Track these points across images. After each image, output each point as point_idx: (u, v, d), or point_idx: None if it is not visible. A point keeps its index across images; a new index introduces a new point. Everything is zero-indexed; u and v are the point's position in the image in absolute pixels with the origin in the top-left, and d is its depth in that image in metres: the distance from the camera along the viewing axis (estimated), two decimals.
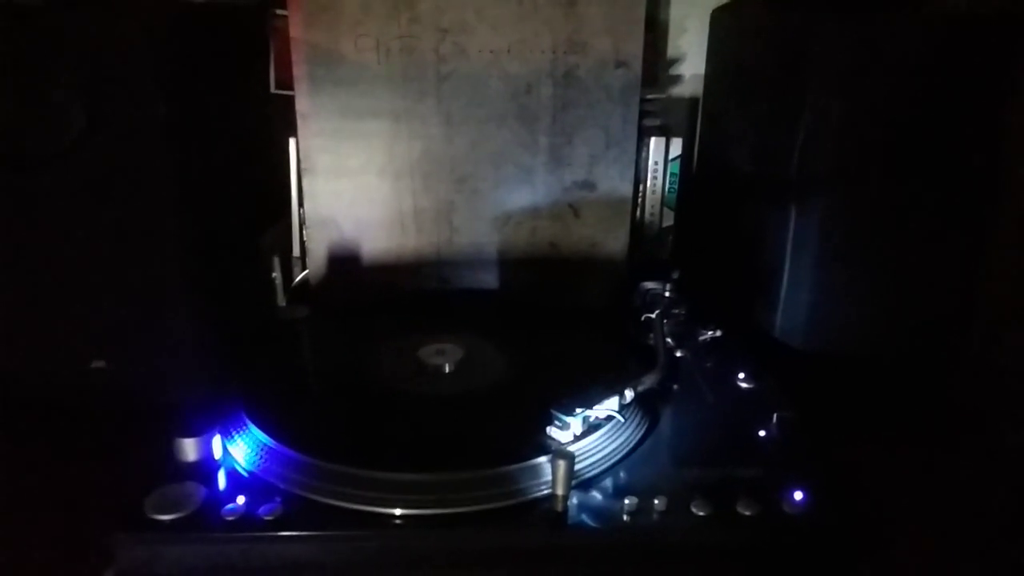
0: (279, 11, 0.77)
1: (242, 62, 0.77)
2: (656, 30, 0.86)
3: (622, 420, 0.52)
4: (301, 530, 0.44)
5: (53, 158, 0.57)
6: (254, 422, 0.51)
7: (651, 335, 0.64)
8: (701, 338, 0.66)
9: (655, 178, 0.83)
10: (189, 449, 0.48)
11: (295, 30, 0.72)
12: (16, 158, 0.57)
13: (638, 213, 0.84)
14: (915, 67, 0.60)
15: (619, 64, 0.75)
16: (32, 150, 0.57)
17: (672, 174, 0.83)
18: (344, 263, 0.78)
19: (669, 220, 0.85)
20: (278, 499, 0.45)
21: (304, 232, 0.79)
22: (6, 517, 0.53)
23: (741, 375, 0.60)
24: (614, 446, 0.50)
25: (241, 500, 0.45)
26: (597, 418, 0.51)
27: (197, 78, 0.64)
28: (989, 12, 0.61)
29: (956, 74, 0.61)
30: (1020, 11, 0.60)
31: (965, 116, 0.62)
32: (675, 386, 0.59)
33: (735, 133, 0.77)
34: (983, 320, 0.66)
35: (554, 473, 0.45)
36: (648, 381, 0.56)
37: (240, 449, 0.50)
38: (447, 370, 0.59)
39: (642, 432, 0.53)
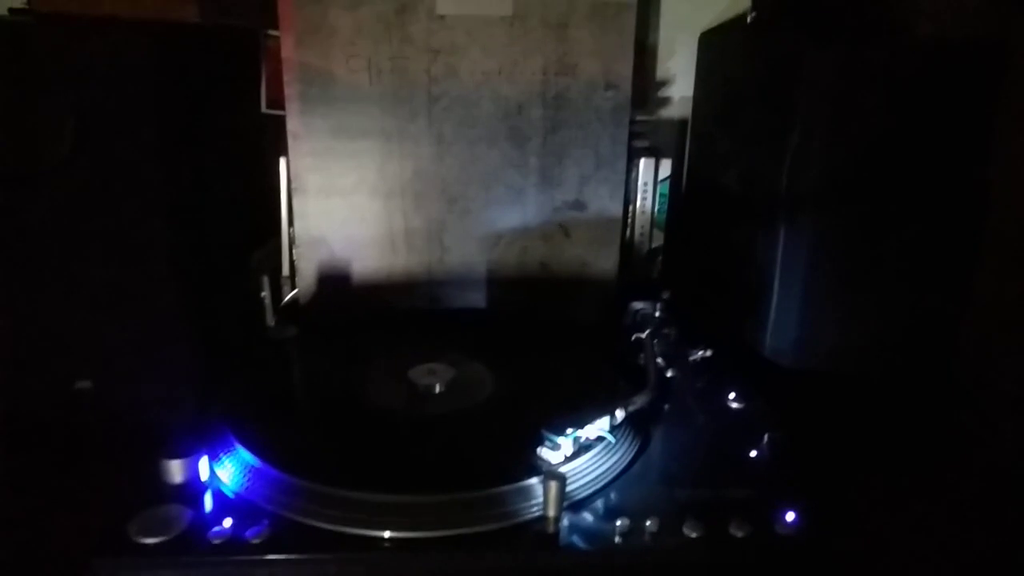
0: (271, 31, 0.78)
1: (234, 82, 0.77)
2: (645, 52, 0.87)
3: (613, 441, 0.51)
4: (289, 553, 0.43)
5: (43, 175, 0.56)
6: (242, 443, 0.51)
7: (641, 355, 0.64)
8: (691, 358, 0.66)
9: (645, 198, 0.84)
10: (175, 470, 0.48)
11: (287, 50, 0.72)
12: (6, 174, 0.56)
13: (628, 233, 0.84)
14: (902, 89, 0.61)
15: (609, 86, 0.75)
16: (22, 167, 0.56)
17: (661, 195, 0.84)
18: (334, 282, 0.77)
19: (659, 240, 0.85)
20: (265, 521, 0.44)
21: (294, 251, 0.79)
22: None
23: (731, 395, 0.60)
24: (605, 467, 0.50)
25: (228, 523, 0.44)
26: (588, 439, 0.51)
27: (189, 97, 0.64)
28: (974, 35, 0.62)
29: (942, 96, 0.62)
30: (1004, 34, 0.61)
31: (951, 137, 0.63)
32: (666, 406, 0.59)
33: (724, 154, 0.78)
34: (973, 338, 0.66)
35: (545, 494, 0.45)
36: (639, 401, 0.55)
37: (227, 470, 0.49)
38: (437, 390, 0.59)
39: (633, 453, 0.53)
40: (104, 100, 0.56)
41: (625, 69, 0.75)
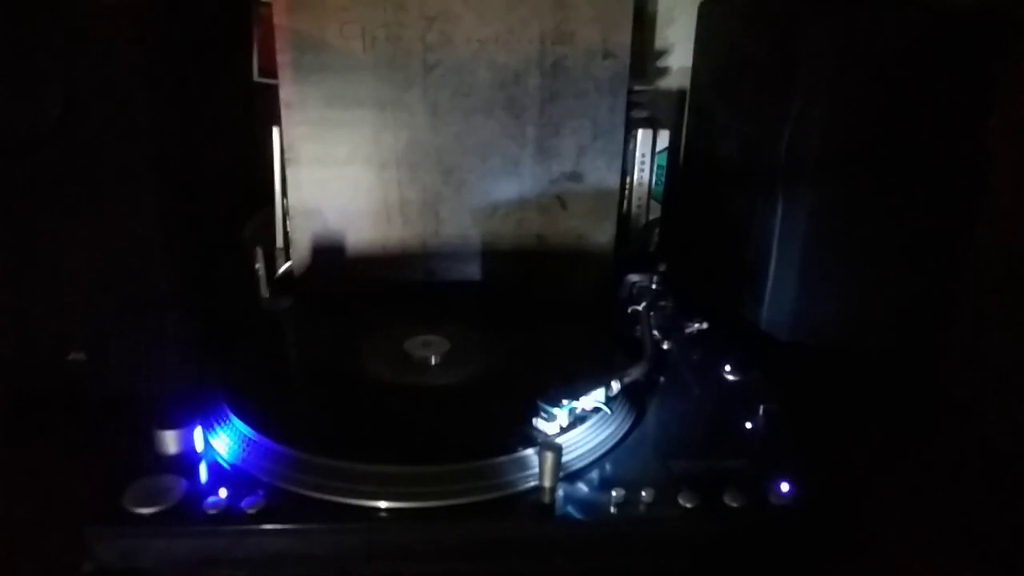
0: None
1: (225, 49, 0.76)
2: (644, 21, 0.86)
3: (609, 412, 0.51)
4: (284, 523, 0.43)
5: (31, 144, 0.55)
6: (236, 414, 0.50)
7: (638, 327, 0.64)
8: (687, 330, 0.66)
9: (642, 170, 0.83)
10: (170, 441, 0.48)
11: (279, 17, 0.71)
12: None
13: (625, 205, 0.84)
14: (903, 59, 0.60)
15: (607, 55, 0.74)
16: (9, 136, 0.56)
17: (659, 166, 0.83)
18: (328, 254, 0.77)
19: (656, 212, 0.85)
20: (261, 492, 0.44)
21: (288, 223, 0.78)
22: None
23: (727, 367, 0.60)
24: (601, 438, 0.50)
25: (223, 493, 0.44)
26: (584, 410, 0.51)
27: (179, 65, 0.63)
28: (977, 5, 0.61)
29: (944, 66, 0.61)
30: (1006, 5, 0.61)
31: (952, 108, 0.62)
32: (662, 378, 0.59)
33: (722, 125, 0.77)
34: (970, 311, 0.66)
35: (541, 465, 0.45)
36: (635, 373, 0.55)
37: (222, 441, 0.49)
38: (433, 362, 0.59)
39: (629, 424, 0.53)
40: (93, 68, 0.55)
41: (624, 38, 0.74)
